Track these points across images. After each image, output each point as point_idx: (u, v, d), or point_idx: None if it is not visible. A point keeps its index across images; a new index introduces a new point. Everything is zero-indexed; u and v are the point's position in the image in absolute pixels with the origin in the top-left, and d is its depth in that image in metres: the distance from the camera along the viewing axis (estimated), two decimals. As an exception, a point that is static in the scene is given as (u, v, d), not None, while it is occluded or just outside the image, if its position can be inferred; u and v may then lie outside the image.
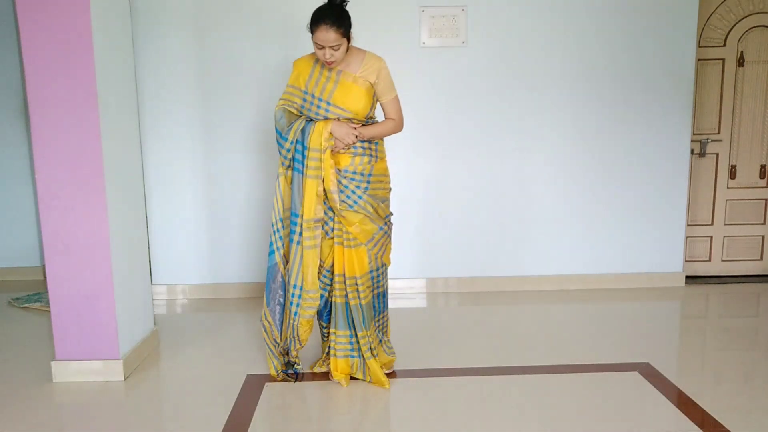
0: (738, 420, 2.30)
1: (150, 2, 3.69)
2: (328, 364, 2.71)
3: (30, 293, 3.99)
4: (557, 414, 2.38)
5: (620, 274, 4.03)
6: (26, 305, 3.75)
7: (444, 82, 3.81)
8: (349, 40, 2.43)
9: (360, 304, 2.58)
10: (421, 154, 3.85)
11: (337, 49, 2.39)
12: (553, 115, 3.87)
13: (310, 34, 2.42)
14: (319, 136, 2.45)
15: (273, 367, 2.70)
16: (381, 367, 2.64)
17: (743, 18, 3.98)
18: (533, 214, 3.95)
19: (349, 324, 2.62)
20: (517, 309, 3.67)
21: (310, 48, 3.63)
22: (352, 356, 2.63)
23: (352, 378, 2.68)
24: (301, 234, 2.52)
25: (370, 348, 2.61)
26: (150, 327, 3.07)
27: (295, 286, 2.56)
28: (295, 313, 2.58)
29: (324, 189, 2.50)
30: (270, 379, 2.71)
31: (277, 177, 2.59)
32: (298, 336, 2.62)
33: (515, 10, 3.76)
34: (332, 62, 2.42)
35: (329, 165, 2.48)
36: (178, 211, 3.89)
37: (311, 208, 2.49)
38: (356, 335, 2.60)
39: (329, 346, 2.70)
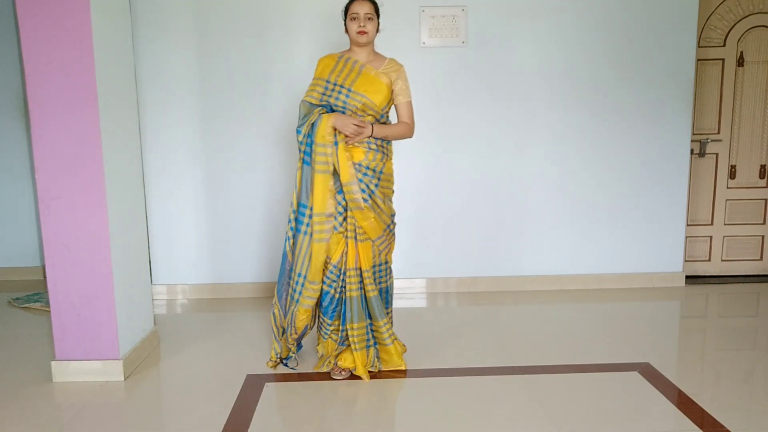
0: (738, 420, 2.30)
1: (150, 2, 3.68)
2: (331, 362, 2.73)
3: (30, 293, 3.99)
4: (557, 414, 2.37)
5: (620, 274, 4.03)
6: (26, 305, 3.75)
7: (444, 82, 3.81)
8: (378, 23, 2.66)
9: (363, 295, 2.68)
10: (421, 153, 3.85)
11: (371, 19, 2.58)
12: (553, 115, 3.87)
13: (343, 22, 2.66)
14: (322, 129, 2.54)
15: (274, 350, 2.81)
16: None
17: (743, 18, 3.98)
18: (533, 214, 3.95)
19: (366, 315, 2.70)
20: (516, 309, 3.67)
21: (312, 48, 3.63)
22: (368, 346, 2.71)
23: (352, 377, 2.69)
24: (309, 225, 2.60)
25: (390, 335, 2.73)
26: (150, 327, 3.07)
27: (300, 275, 2.66)
28: (297, 301, 2.67)
29: (341, 183, 2.57)
30: (270, 379, 2.71)
31: (297, 169, 2.67)
32: (294, 323, 2.70)
33: (515, 10, 3.76)
34: (365, 32, 2.58)
35: (345, 158, 2.54)
36: (178, 211, 3.89)
37: (323, 202, 2.57)
38: (373, 325, 2.71)
39: (344, 341, 2.72)
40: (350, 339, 2.68)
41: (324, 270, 2.67)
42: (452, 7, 3.73)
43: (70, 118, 2.56)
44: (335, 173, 2.57)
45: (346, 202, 2.59)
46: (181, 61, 3.75)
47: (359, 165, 2.58)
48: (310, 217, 2.59)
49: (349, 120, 2.53)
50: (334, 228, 2.62)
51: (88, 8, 2.49)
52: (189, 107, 3.79)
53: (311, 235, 2.60)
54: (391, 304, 2.82)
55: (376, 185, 2.61)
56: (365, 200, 2.56)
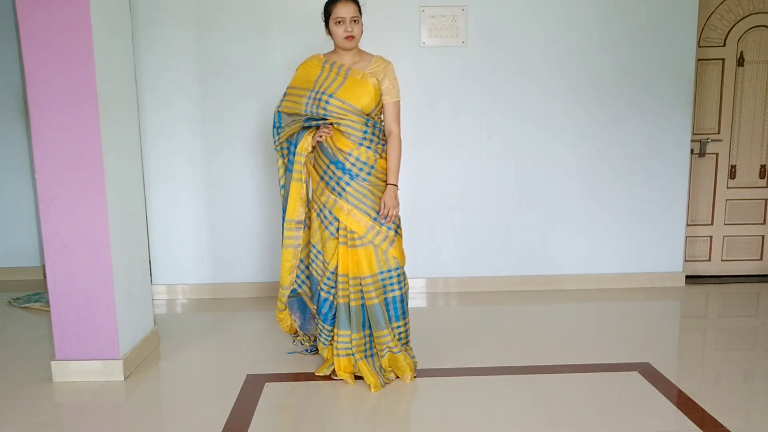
0: (738, 420, 2.30)
1: (150, 2, 3.68)
2: (331, 367, 2.72)
3: (30, 293, 3.99)
4: (557, 414, 2.38)
5: (620, 274, 4.03)
6: (26, 305, 3.75)
7: (444, 82, 3.81)
8: (362, 23, 2.56)
9: (363, 305, 2.61)
10: (420, 154, 3.85)
11: (357, 22, 2.50)
12: (553, 115, 3.87)
13: (324, 24, 2.58)
14: (303, 141, 2.60)
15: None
16: (390, 371, 2.68)
17: (743, 18, 3.98)
18: (532, 214, 3.95)
19: (349, 324, 2.64)
20: (516, 309, 3.67)
21: (311, 47, 3.61)
22: (353, 354, 2.65)
23: (354, 377, 2.68)
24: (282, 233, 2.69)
25: (363, 350, 2.65)
26: (150, 327, 3.07)
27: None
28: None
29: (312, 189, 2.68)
30: (270, 379, 2.71)
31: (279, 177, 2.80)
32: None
33: (515, 10, 3.76)
34: (352, 37, 2.50)
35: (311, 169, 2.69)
36: (178, 211, 3.89)
37: (294, 209, 2.64)
38: (372, 335, 2.64)
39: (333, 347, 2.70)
40: (334, 343, 2.66)
41: (322, 276, 2.67)
42: (452, 7, 3.72)
43: (70, 118, 2.56)
44: (306, 181, 2.66)
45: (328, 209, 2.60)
46: (182, 61, 3.75)
47: (349, 154, 2.55)
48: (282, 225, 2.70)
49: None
50: (331, 234, 2.61)
51: (88, 8, 2.49)
52: (189, 107, 3.79)
53: (282, 241, 2.68)
54: (405, 316, 2.67)
55: (368, 173, 2.57)
56: (343, 189, 2.55)
